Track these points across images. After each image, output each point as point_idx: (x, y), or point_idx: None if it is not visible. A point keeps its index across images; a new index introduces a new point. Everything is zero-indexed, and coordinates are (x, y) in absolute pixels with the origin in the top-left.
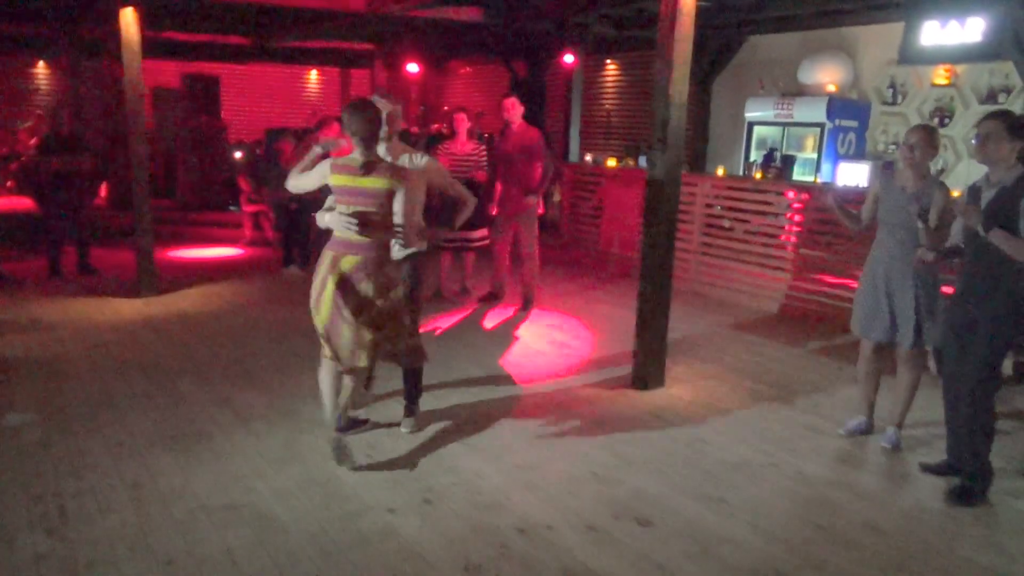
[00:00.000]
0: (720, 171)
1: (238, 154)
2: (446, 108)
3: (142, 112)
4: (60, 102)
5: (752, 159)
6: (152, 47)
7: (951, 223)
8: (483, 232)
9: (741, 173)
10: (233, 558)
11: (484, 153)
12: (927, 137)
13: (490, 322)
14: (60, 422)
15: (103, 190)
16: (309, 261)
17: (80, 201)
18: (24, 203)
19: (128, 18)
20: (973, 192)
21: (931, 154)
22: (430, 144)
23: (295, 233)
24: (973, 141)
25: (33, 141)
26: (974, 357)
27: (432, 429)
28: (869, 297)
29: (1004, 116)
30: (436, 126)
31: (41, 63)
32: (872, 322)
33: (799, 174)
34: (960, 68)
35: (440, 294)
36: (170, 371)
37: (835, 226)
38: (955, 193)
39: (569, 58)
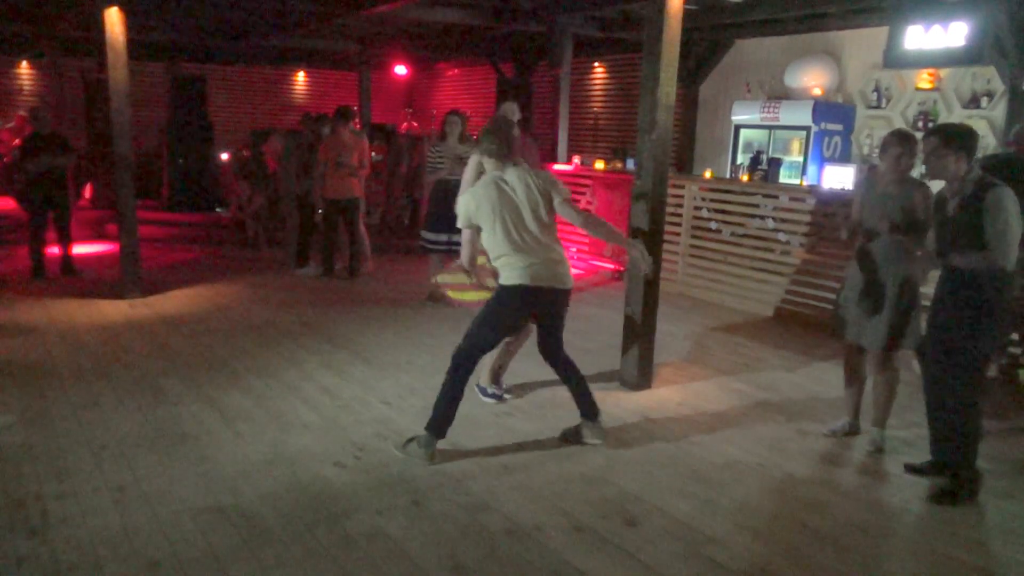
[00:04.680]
0: (707, 174)
1: (224, 156)
2: (434, 111)
3: (127, 112)
4: (43, 102)
5: (739, 162)
6: (137, 48)
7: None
8: None
9: (728, 176)
10: (219, 560)
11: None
12: (902, 142)
13: None
14: (42, 424)
15: (87, 190)
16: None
17: (63, 201)
18: (7, 203)
19: (113, 18)
20: (940, 202)
21: (909, 161)
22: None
23: (315, 235)
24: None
25: (16, 141)
26: (957, 362)
27: (420, 431)
28: (850, 299)
29: (939, 131)
30: (404, 125)
31: (24, 63)
32: (854, 324)
33: (785, 177)
34: (943, 72)
35: (435, 296)
36: (154, 372)
37: (821, 228)
38: None
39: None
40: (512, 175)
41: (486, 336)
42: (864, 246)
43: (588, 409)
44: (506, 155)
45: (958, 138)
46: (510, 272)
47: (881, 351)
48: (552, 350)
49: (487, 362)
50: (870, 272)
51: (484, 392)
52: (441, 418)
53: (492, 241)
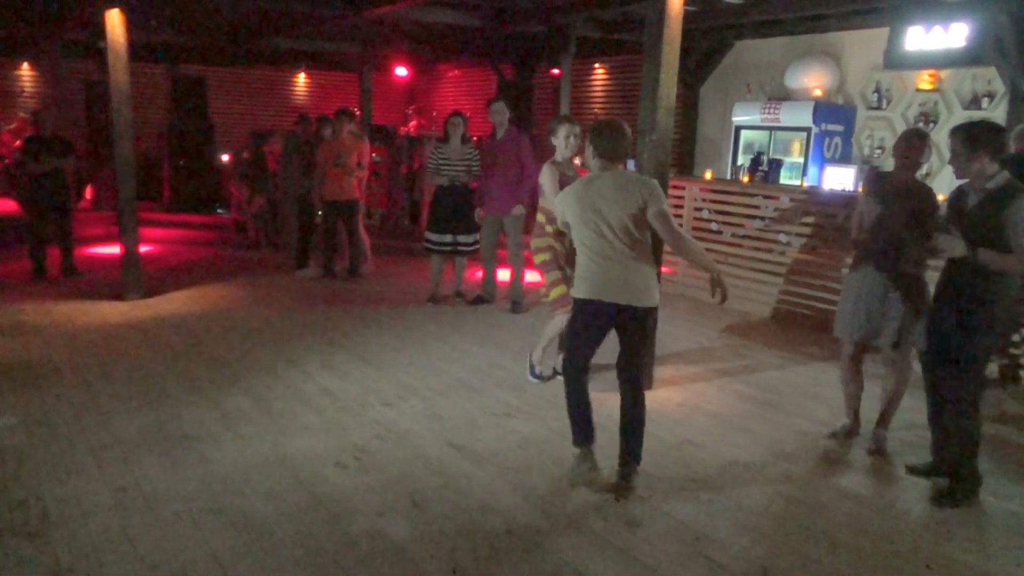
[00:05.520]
0: (708, 175)
1: (225, 157)
2: (435, 113)
3: (128, 114)
4: (44, 104)
5: (740, 163)
6: (137, 49)
7: (936, 229)
8: (476, 236)
9: (728, 177)
10: (219, 562)
11: (477, 157)
12: (920, 142)
13: (480, 326)
14: (43, 425)
15: (88, 192)
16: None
17: (64, 203)
18: (8, 205)
19: (114, 19)
20: (959, 195)
21: (919, 161)
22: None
23: (315, 236)
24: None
25: (17, 143)
26: (957, 362)
27: (420, 432)
28: (854, 298)
29: (961, 130)
30: (413, 123)
31: (25, 65)
32: (855, 323)
33: (786, 178)
34: (944, 73)
35: (435, 298)
36: (155, 374)
37: (820, 229)
38: (940, 197)
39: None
40: (609, 178)
41: (575, 345)
42: (874, 245)
43: (626, 451)
44: (612, 157)
45: (981, 138)
46: (579, 282)
47: (895, 351)
48: (621, 365)
49: (542, 342)
50: (879, 271)
51: (532, 372)
52: (574, 429)
53: (575, 242)
